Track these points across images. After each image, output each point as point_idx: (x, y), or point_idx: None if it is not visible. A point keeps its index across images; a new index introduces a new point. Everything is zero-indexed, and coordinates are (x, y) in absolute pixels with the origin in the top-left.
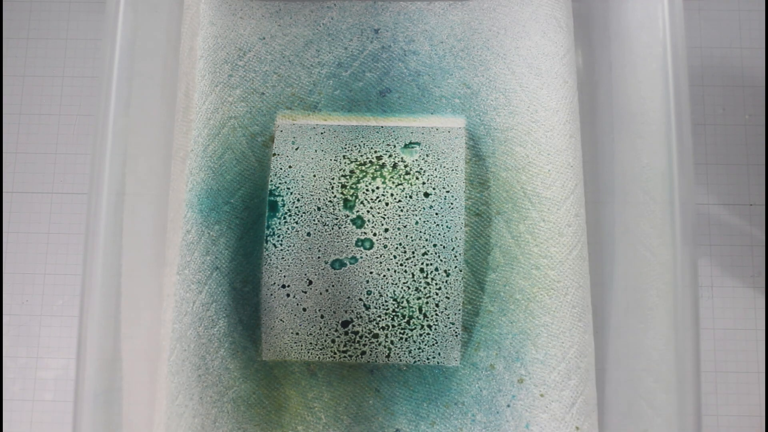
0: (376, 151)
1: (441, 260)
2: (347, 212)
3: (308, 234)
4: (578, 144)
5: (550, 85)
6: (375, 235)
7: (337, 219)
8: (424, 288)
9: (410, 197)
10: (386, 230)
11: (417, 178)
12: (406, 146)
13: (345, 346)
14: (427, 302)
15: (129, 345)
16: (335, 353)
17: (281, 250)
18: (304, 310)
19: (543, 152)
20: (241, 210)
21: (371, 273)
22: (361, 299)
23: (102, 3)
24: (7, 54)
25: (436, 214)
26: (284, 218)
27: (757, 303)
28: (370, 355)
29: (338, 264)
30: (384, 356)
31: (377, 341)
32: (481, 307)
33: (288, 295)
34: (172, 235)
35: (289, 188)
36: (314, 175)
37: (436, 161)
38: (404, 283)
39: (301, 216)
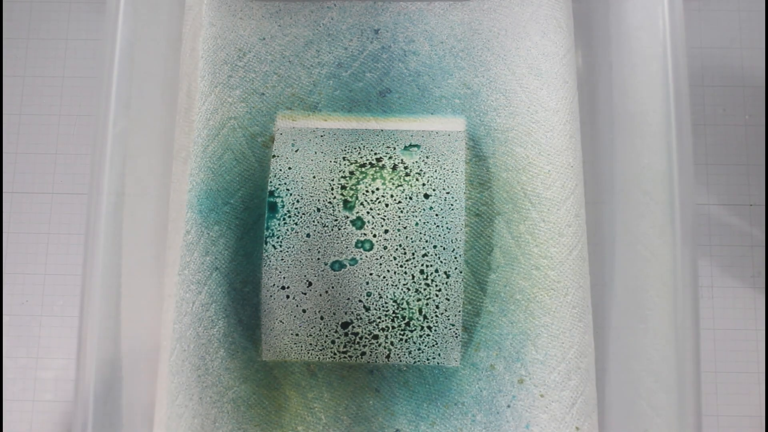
0: (375, 153)
1: (441, 262)
2: (347, 213)
3: (308, 235)
4: (578, 144)
5: (550, 85)
6: (375, 236)
7: (336, 220)
8: (425, 290)
9: (410, 198)
10: (386, 231)
11: (417, 180)
12: (405, 148)
13: (345, 347)
14: (427, 304)
15: (129, 345)
16: (335, 354)
17: (281, 251)
18: (304, 311)
19: (543, 153)
20: (241, 211)
21: (371, 274)
22: (360, 301)
23: (102, 3)
24: (7, 54)
25: (436, 215)
26: (284, 219)
27: (757, 303)
28: (370, 355)
29: (338, 265)
30: (384, 357)
31: (377, 342)
32: (482, 307)
33: (288, 297)
34: (173, 236)
35: (288, 189)
36: (314, 177)
37: (436, 163)
38: (404, 284)
39: (301, 217)
